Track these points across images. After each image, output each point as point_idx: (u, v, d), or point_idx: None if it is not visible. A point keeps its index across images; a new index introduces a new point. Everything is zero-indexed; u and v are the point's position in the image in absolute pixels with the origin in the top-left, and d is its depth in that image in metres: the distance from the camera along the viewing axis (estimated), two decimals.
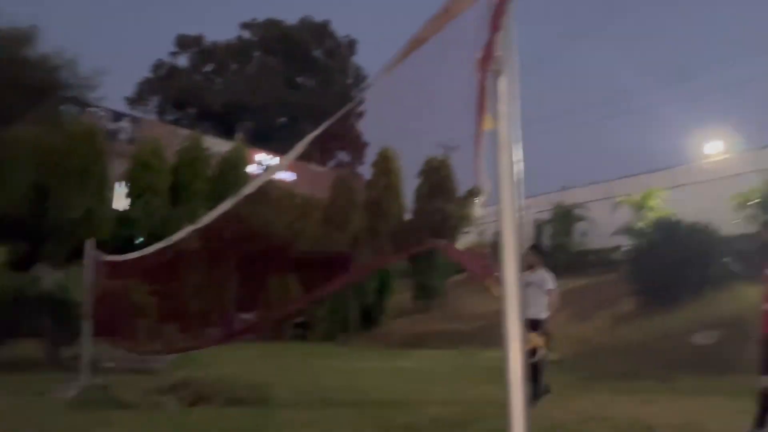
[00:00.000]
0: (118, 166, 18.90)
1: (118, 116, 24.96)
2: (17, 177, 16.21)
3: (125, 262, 8.05)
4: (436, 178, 17.98)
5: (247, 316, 16.21)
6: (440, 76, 2.20)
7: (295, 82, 42.71)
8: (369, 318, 17.15)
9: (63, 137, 16.90)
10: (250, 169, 21.48)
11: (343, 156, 39.21)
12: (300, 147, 2.88)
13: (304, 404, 6.42)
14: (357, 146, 37.17)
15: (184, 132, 24.70)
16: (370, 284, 16.75)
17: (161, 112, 39.68)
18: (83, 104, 23.28)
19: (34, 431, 4.80)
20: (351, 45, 43.79)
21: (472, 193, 16.33)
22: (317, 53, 43.55)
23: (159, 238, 17.45)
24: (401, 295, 17.71)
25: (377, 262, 13.58)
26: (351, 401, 6.82)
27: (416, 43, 1.95)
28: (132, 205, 17.90)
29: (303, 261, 15.66)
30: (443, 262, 16.94)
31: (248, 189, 3.87)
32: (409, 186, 18.78)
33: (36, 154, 16.77)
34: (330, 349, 13.62)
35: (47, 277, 12.11)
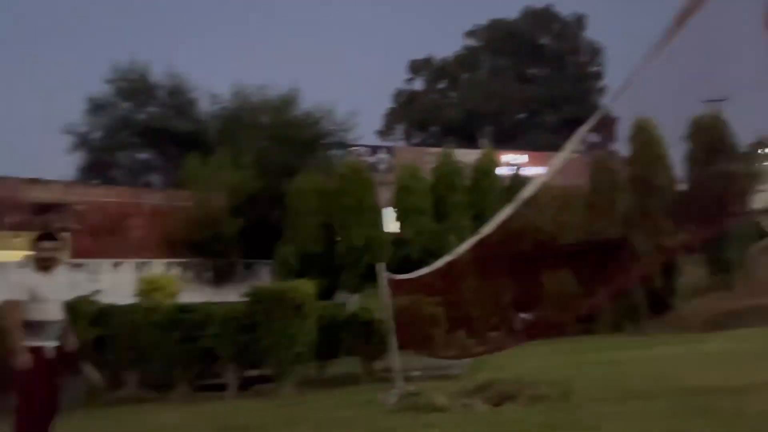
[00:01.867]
0: (383, 193, 20.72)
1: (374, 149, 27.44)
2: (309, 221, 18.84)
3: (410, 279, 8.84)
4: (709, 137, 16.04)
5: (526, 315, 16.29)
6: (715, 31, 2.07)
7: (528, 75, 42.06)
8: (658, 302, 15.89)
9: (336, 179, 19.17)
10: (500, 171, 21.72)
11: (591, 138, 37.24)
12: (575, 140, 2.91)
13: (612, 398, 6.25)
14: (606, 124, 35.01)
15: (432, 150, 26.09)
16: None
17: (408, 136, 42.40)
18: (345, 146, 26.19)
19: (379, 430, 5.49)
20: (579, 21, 41.66)
21: (760, 144, 14.18)
22: (545, 40, 42.36)
23: (431, 253, 18.52)
24: (693, 272, 16.05)
25: (679, 245, 12.50)
26: (660, 391, 6.43)
27: (684, 15, 1.88)
28: (402, 227, 19.40)
29: (573, 253, 15.25)
30: (741, 229, 14.97)
31: (527, 192, 3.99)
32: (675, 154, 17.10)
33: (318, 198, 19.31)
34: (622, 340, 12.96)
35: (349, 302, 13.81)
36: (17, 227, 18.61)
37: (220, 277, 19.84)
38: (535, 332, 13.61)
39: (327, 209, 19.31)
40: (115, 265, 18.33)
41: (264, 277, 19.86)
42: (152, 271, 16.60)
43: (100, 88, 25.96)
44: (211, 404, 8.61)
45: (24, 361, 4.46)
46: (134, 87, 24.95)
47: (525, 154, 29.22)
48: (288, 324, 8.99)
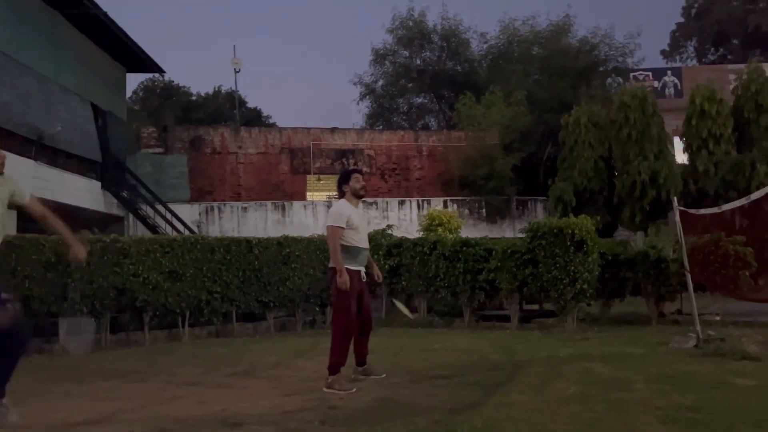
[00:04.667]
0: (671, 121, 18.68)
1: (659, 73, 24.72)
2: (585, 155, 18.02)
3: (708, 215, 7.91)
4: None
5: None
6: None
7: None
8: None
9: (616, 109, 17.84)
10: None
11: None
12: None
13: None
14: None
15: (734, 68, 22.49)
16: None
17: (700, 54, 37.16)
18: (626, 71, 24.08)
19: (676, 372, 5.19)
20: None
21: None
22: None
23: (731, 186, 16.36)
24: None
25: None
26: None
27: None
28: (694, 157, 17.37)
29: None
30: None
31: None
32: None
33: (595, 131, 18.26)
34: None
35: (633, 240, 13.00)
36: (321, 171, 21.54)
37: (495, 214, 20.33)
38: None
39: (605, 142, 18.19)
40: (401, 203, 20.06)
41: (538, 215, 19.77)
42: (433, 208, 17.80)
43: (384, 38, 27.99)
44: (495, 333, 9.05)
45: (344, 280, 5.14)
46: (411, 34, 26.29)
47: None
48: (569, 260, 8.88)
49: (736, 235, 7.86)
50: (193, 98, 33.23)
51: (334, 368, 5.09)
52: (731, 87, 18.71)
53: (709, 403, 4.15)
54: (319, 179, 21.44)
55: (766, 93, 16.95)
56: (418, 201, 20.28)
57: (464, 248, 10.10)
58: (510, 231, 19.51)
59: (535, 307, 10.74)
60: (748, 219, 8.58)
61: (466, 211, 20.17)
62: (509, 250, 9.61)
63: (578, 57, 23.52)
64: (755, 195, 6.13)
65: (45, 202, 4.29)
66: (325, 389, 4.96)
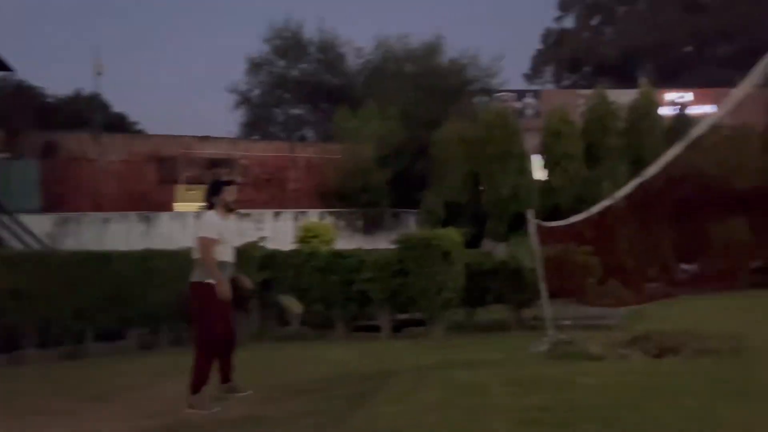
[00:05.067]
0: (531, 139, 20.07)
1: (521, 94, 26.51)
2: (454, 170, 18.85)
3: (561, 227, 8.59)
4: None
5: (689, 267, 15.17)
6: None
7: (698, 3, 37.66)
8: None
9: (481, 127, 18.86)
10: (663, 111, 20.02)
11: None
12: (757, 73, 2.62)
13: None
14: None
15: (584, 92, 24.63)
16: None
17: (557, 79, 40.32)
18: (490, 92, 25.59)
19: (530, 375, 5.54)
20: None
21: None
22: None
23: (582, 201, 17.78)
24: None
25: None
26: None
27: None
28: (550, 174, 18.74)
29: (746, 199, 13.79)
30: None
31: (696, 132, 3.68)
32: None
33: (463, 147, 19.18)
34: None
35: (495, 250, 13.76)
36: (191, 181, 20.71)
37: (370, 226, 20.65)
38: (699, 284, 12.66)
39: (472, 158, 19.14)
40: (276, 214, 19.78)
41: (411, 227, 20.36)
42: (308, 220, 17.72)
43: (260, 48, 27.55)
44: (366, 343, 9.15)
45: (224, 289, 4.94)
46: (288, 45, 26.15)
47: (690, 91, 26.57)
48: (436, 270, 9.21)
49: (585, 245, 8.61)
50: (50, 100, 30.63)
51: (196, 387, 4.89)
52: (582, 111, 20.48)
53: (556, 402, 4.46)
54: (188, 189, 20.58)
55: (609, 117, 18.75)
56: (294, 212, 20.10)
57: (338, 260, 10.14)
58: (384, 242, 19.80)
59: (406, 316, 11.01)
60: (595, 231, 9.43)
61: (343, 222, 20.30)
62: (381, 262, 9.78)
63: (448, 76, 24.64)
64: (595, 209, 6.73)
65: None
66: (186, 410, 4.74)
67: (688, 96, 25.83)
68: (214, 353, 5.07)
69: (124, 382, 6.41)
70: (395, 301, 9.84)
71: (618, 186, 8.53)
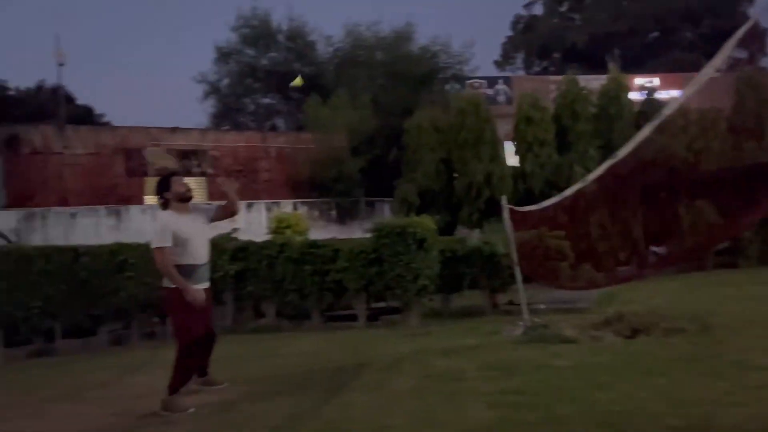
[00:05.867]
0: (503, 126, 20.14)
1: (492, 81, 26.58)
2: (427, 158, 18.84)
3: (533, 212, 8.65)
4: None
5: (658, 249, 15.41)
6: None
7: None
8: None
9: (453, 114, 18.86)
10: (632, 96, 20.26)
11: (738, 53, 33.47)
12: (720, 57, 2.62)
13: (759, 333, 5.84)
14: (755, 36, 31.21)
15: (555, 78, 24.82)
16: None
17: (527, 65, 40.53)
18: (462, 79, 25.61)
19: (505, 359, 5.57)
20: None
21: None
22: None
23: (553, 186, 17.91)
24: None
25: None
26: None
27: None
28: (523, 160, 18.85)
29: (713, 181, 14.06)
30: None
31: (663, 116, 3.70)
32: None
33: (435, 134, 19.16)
34: None
35: (470, 237, 13.80)
36: (161, 174, 20.33)
37: (344, 215, 20.58)
38: (668, 265, 12.86)
39: (445, 145, 19.14)
40: (248, 205, 19.56)
41: (385, 215, 20.34)
42: (281, 210, 17.55)
43: (228, 37, 27.12)
44: (342, 333, 9.12)
45: (194, 296, 4.65)
46: (257, 33, 25.76)
47: (657, 76, 26.98)
48: (411, 258, 9.20)
49: (558, 229, 8.65)
50: (11, 93, 29.75)
51: (175, 389, 4.72)
52: (553, 96, 20.61)
53: (532, 385, 4.50)
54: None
55: (580, 102, 18.90)
56: (266, 203, 19.90)
57: (312, 250, 10.06)
58: (359, 231, 19.82)
59: (382, 304, 10.99)
60: (567, 215, 9.49)
61: (317, 212, 20.17)
62: (356, 251, 9.74)
63: (419, 64, 24.56)
64: (567, 192, 6.79)
65: None
66: (161, 411, 4.58)
67: (656, 81, 26.21)
68: (195, 356, 4.93)
69: (95, 378, 6.28)
70: (371, 290, 9.81)
71: (588, 170, 8.61)
